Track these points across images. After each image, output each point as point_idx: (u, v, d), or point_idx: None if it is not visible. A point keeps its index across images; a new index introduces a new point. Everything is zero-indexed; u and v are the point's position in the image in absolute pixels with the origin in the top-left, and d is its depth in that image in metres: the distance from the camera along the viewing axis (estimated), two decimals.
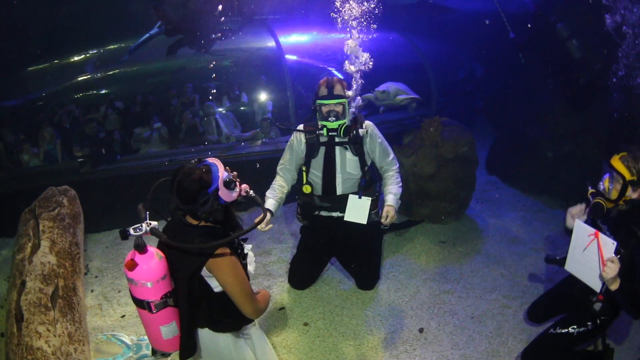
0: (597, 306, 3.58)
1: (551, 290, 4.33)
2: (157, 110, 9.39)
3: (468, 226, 6.62)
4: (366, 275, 5.24)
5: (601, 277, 3.22)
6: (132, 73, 10.21)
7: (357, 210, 4.70)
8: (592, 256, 3.33)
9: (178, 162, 7.40)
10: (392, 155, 4.89)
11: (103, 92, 10.21)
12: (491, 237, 6.34)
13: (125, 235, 2.60)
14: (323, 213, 4.96)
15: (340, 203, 4.80)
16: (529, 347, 3.95)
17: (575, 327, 3.68)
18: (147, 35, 8.97)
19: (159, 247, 2.87)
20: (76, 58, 10.12)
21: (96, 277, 5.72)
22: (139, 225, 2.63)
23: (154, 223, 2.66)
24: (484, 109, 11.75)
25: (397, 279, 5.42)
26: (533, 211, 7.11)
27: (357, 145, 4.66)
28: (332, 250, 5.33)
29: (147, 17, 9.11)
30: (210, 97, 9.50)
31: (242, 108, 9.58)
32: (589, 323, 3.66)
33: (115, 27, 9.50)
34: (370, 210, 4.71)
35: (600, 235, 3.24)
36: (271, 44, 9.10)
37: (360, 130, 4.63)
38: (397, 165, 4.92)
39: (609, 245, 3.19)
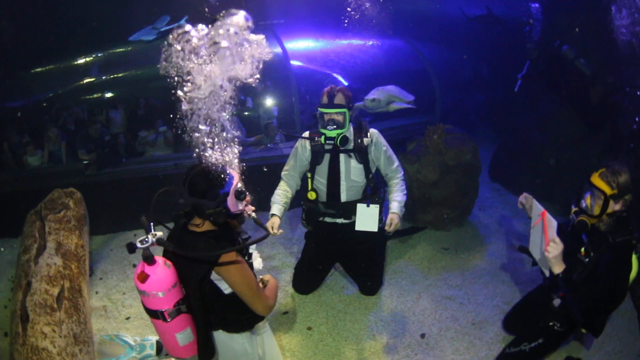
0: (557, 302, 3.71)
1: (522, 301, 4.55)
2: (162, 113, 9.40)
3: (470, 233, 6.64)
4: (369, 281, 5.27)
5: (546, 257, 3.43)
6: (137, 76, 10.21)
7: (367, 219, 4.76)
8: (542, 238, 3.57)
9: (184, 166, 7.43)
10: (397, 163, 4.93)
11: (108, 94, 10.22)
12: (493, 244, 6.35)
13: (132, 249, 2.62)
14: (327, 219, 5.01)
15: (345, 210, 4.86)
16: None
17: (526, 344, 3.86)
18: (176, 24, 8.83)
19: (165, 255, 2.91)
20: (81, 60, 10.14)
21: (101, 279, 5.74)
22: (145, 237, 2.65)
23: (159, 233, 2.69)
24: (488, 116, 11.76)
25: (400, 284, 5.45)
26: None
27: (361, 153, 4.71)
28: (336, 255, 5.38)
29: (152, 20, 9.14)
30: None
31: (245, 113, 9.59)
32: (540, 339, 3.82)
33: (121, 30, 9.51)
34: None
35: (547, 214, 3.47)
36: (277, 49, 9.13)
37: (365, 140, 4.68)
38: (402, 172, 4.96)
39: (552, 224, 3.42)
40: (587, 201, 3.56)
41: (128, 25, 9.29)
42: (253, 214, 3.14)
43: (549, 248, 3.39)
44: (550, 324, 3.81)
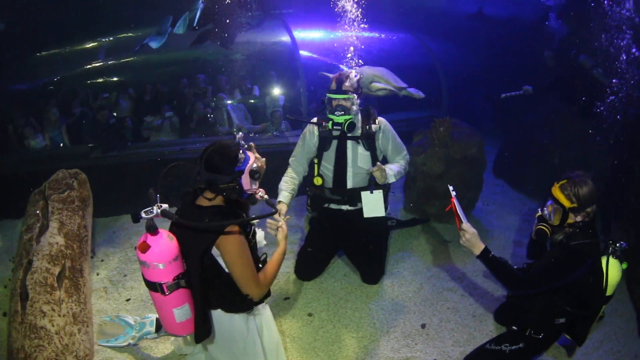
0: None
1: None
2: (169, 99, 9.41)
3: (473, 227, 6.57)
4: (371, 270, 5.27)
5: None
6: (144, 62, 10.19)
7: (373, 205, 4.79)
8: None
9: (189, 151, 7.45)
10: (405, 152, 4.97)
11: (114, 79, 10.20)
12: (495, 239, 6.34)
13: (136, 218, 2.65)
14: (333, 206, 5.03)
15: (350, 197, 4.87)
16: (467, 358, 4.04)
17: (507, 345, 3.83)
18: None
19: (170, 230, 2.91)
20: (88, 45, 10.12)
21: (102, 260, 5.74)
22: (150, 208, 2.67)
23: (165, 205, 2.70)
24: (493, 113, 11.70)
25: (402, 274, 5.44)
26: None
27: (369, 140, 4.74)
28: (340, 243, 5.40)
29: (160, 6, 9.12)
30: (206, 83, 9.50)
31: (251, 101, 9.58)
32: (521, 344, 3.79)
33: (129, 14, 9.49)
34: None
35: (455, 201, 3.65)
36: (285, 38, 9.11)
37: (373, 127, 4.72)
38: (409, 160, 5.04)
39: (461, 214, 3.62)
40: (548, 209, 3.60)
41: (136, 9, 9.26)
42: (265, 196, 3.16)
43: (461, 234, 3.62)
44: (527, 333, 3.79)
